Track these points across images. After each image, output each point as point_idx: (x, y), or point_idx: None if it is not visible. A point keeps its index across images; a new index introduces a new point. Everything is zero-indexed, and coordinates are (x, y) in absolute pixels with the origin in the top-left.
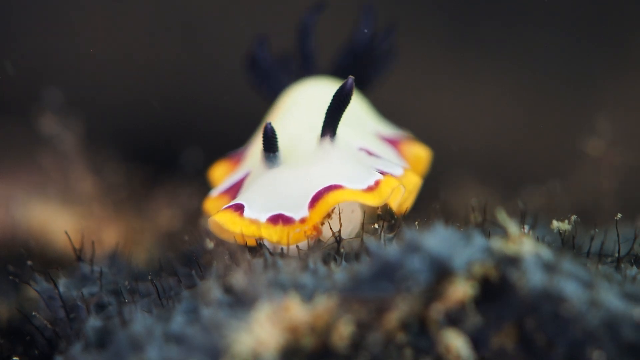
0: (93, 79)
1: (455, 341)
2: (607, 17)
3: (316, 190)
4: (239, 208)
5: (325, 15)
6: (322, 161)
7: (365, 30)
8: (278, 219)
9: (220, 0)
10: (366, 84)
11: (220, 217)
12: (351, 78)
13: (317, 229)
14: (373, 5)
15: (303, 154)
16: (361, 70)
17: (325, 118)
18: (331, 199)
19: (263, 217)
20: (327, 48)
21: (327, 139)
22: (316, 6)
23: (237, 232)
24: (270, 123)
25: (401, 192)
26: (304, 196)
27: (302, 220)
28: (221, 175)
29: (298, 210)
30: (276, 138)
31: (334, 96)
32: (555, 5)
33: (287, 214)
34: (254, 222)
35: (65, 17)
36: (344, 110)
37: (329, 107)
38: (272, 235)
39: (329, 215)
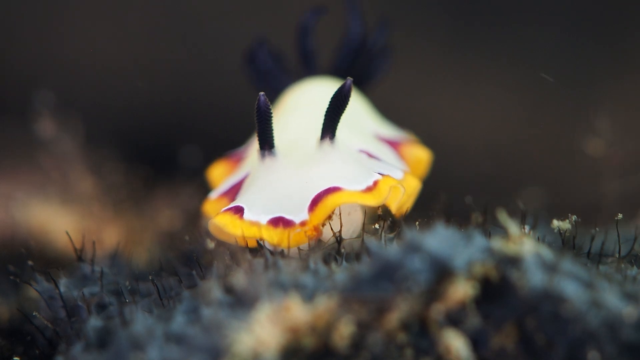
0: (93, 79)
1: (455, 342)
2: (607, 17)
3: (316, 193)
4: (239, 210)
5: (326, 15)
6: (322, 163)
7: (358, 28)
8: (278, 222)
9: (221, 0)
10: (366, 82)
11: (220, 220)
12: (349, 79)
13: (317, 230)
14: (358, 4)
15: (303, 156)
16: (360, 69)
17: (325, 120)
18: (330, 201)
19: (263, 220)
20: (327, 47)
21: (327, 140)
22: (317, 9)
23: (238, 234)
24: (263, 94)
25: (401, 192)
26: (304, 199)
27: (303, 223)
28: (220, 175)
29: (298, 213)
30: (270, 114)
31: (332, 98)
32: (555, 5)
33: (288, 216)
34: (255, 224)
35: (65, 17)
36: (342, 112)
37: (328, 109)
38: (273, 237)
39: (329, 216)
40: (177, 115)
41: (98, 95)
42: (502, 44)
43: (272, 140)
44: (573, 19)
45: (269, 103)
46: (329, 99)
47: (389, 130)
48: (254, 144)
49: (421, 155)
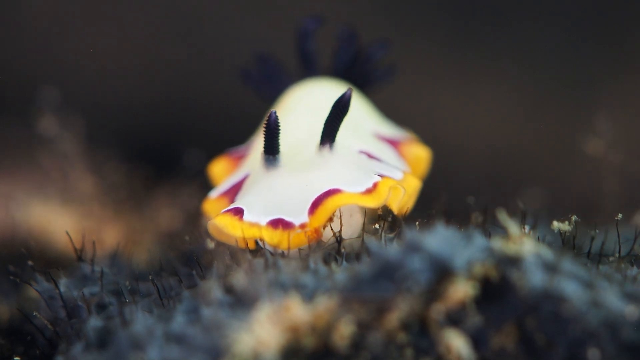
0: (94, 79)
1: (456, 341)
2: (607, 17)
3: (316, 196)
4: (239, 212)
5: (324, 25)
6: (322, 167)
7: (351, 39)
8: (278, 223)
9: (221, 0)
10: (366, 84)
11: (219, 221)
12: (349, 90)
13: (317, 232)
14: (347, 27)
15: (303, 159)
16: (360, 71)
17: (324, 128)
18: (330, 204)
19: (263, 221)
20: (326, 46)
21: (326, 147)
22: (316, 18)
23: (238, 235)
24: (275, 112)
25: (401, 192)
26: (303, 201)
27: (302, 226)
28: (221, 172)
29: (298, 216)
30: (279, 131)
31: (333, 107)
32: (555, 5)
33: (287, 218)
34: (255, 225)
35: (66, 17)
36: (341, 121)
37: (328, 117)
38: (273, 238)
39: (330, 218)
40: (178, 115)
41: (98, 95)
42: (502, 44)
43: (277, 150)
44: (573, 19)
45: (279, 121)
46: (329, 101)
47: (389, 129)
48: (256, 144)
49: (421, 154)
